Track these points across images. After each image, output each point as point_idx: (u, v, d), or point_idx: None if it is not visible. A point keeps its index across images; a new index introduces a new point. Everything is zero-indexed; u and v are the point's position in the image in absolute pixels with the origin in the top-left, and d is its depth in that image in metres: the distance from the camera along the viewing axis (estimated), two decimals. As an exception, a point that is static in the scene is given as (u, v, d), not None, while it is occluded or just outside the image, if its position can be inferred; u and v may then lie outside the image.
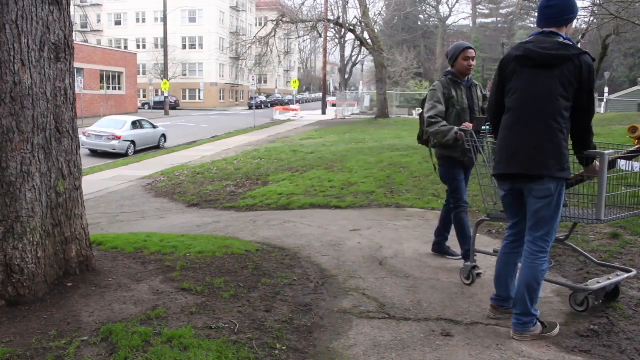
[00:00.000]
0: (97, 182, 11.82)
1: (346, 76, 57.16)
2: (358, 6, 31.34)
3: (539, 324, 3.10)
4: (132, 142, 18.84)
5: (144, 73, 54.54)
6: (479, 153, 3.86)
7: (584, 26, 26.05)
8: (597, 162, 3.15)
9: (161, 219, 7.60)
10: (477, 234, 4.80)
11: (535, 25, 3.22)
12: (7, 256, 3.25)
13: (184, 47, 58.11)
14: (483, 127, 3.90)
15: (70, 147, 3.67)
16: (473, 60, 4.32)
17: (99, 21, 60.01)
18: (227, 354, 2.75)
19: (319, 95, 60.35)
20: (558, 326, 3.15)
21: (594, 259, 3.98)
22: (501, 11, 62.13)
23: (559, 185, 3.00)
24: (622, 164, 3.38)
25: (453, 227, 4.54)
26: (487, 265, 4.32)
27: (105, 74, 39.94)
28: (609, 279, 3.46)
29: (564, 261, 4.46)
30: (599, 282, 3.40)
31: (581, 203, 3.59)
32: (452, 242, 4.70)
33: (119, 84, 41.93)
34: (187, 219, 7.32)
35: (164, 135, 21.21)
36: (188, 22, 58.53)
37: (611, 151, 3.26)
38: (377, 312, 3.47)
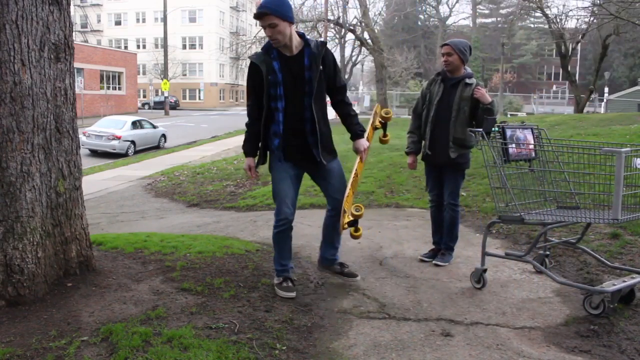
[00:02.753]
0: (97, 182, 11.82)
1: (346, 76, 57.10)
2: (358, 6, 31.31)
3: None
4: (132, 142, 18.85)
5: (144, 73, 54.55)
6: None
7: (584, 26, 26.01)
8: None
9: (161, 219, 7.60)
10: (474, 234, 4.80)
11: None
12: (7, 256, 3.26)
13: (184, 47, 58.14)
14: (494, 128, 3.86)
15: (70, 147, 3.67)
16: (445, 56, 4.31)
17: (99, 21, 60.05)
18: (227, 354, 2.75)
19: (319, 95, 60.15)
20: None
21: (608, 262, 3.90)
22: (501, 11, 62.05)
23: None
24: (638, 162, 3.33)
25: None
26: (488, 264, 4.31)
27: (105, 74, 39.95)
28: (624, 281, 3.37)
29: (564, 261, 4.45)
30: (614, 285, 3.31)
31: (588, 204, 3.55)
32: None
33: (119, 84, 41.93)
34: (187, 219, 7.32)
35: (164, 135, 21.23)
36: (188, 22, 58.57)
37: (628, 149, 3.18)
38: (377, 312, 3.47)
